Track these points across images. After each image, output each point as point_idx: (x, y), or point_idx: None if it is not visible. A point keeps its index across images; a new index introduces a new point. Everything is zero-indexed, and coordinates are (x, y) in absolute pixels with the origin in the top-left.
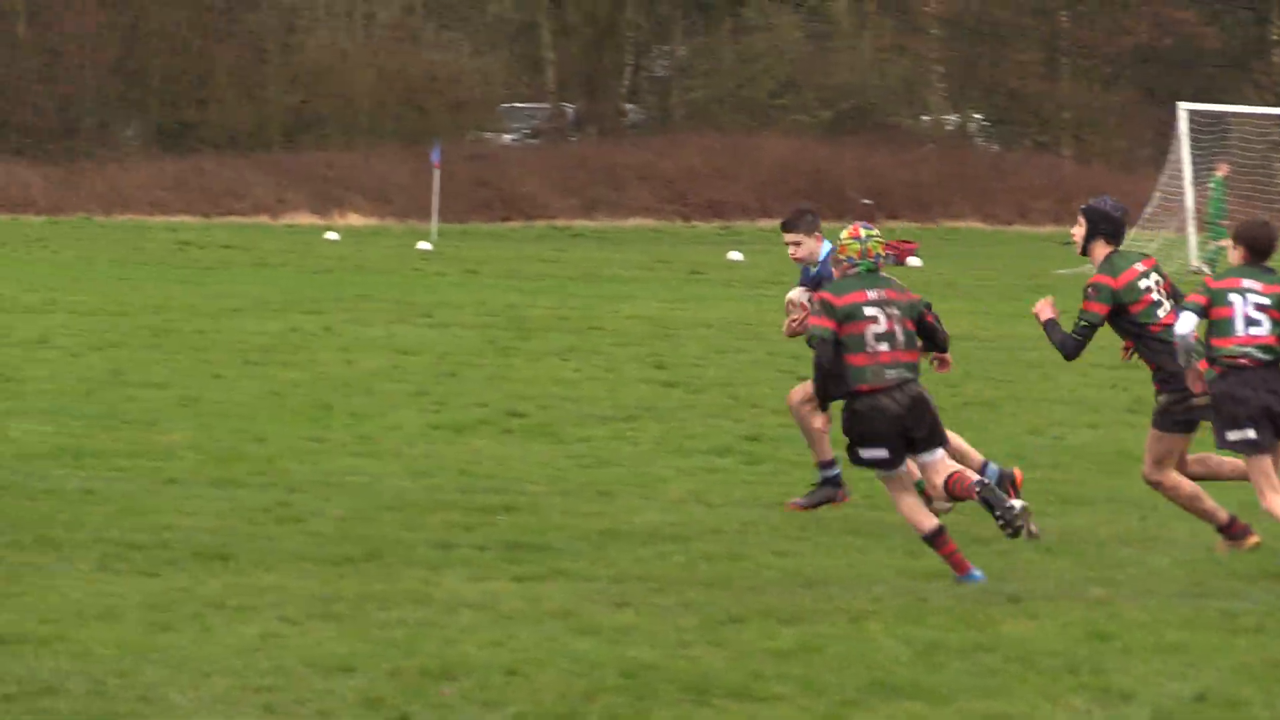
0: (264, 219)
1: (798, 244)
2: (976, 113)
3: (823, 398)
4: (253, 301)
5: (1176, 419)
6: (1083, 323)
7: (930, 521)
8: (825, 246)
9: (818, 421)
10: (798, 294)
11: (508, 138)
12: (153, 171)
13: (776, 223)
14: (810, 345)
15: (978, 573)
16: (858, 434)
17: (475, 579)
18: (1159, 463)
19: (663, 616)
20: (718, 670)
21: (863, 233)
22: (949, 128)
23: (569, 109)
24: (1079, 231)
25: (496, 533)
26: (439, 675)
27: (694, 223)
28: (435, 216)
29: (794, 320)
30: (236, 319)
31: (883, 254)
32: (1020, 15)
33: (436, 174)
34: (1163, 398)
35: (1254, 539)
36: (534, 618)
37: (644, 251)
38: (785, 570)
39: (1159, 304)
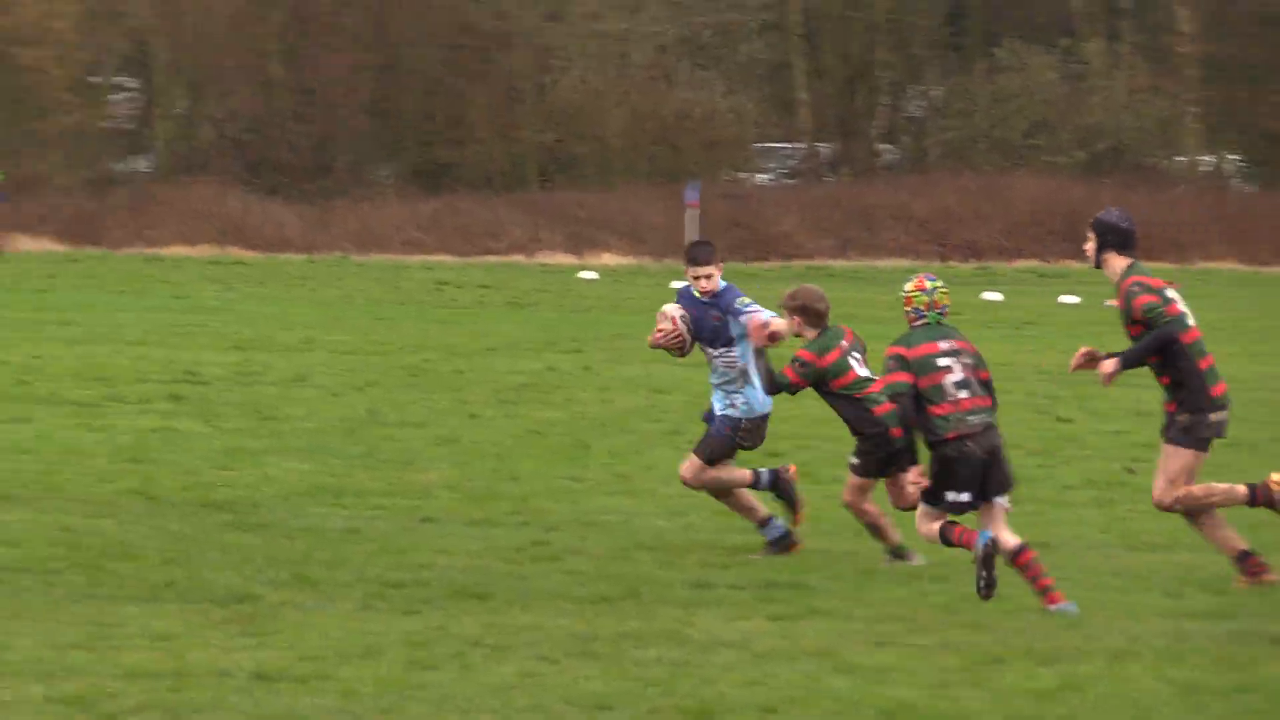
0: (519, 258)
1: (709, 276)
2: (1232, 153)
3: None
4: (509, 341)
5: (1199, 436)
6: (1149, 315)
7: (938, 524)
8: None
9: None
10: (673, 308)
11: (762, 177)
12: (407, 211)
13: (1033, 263)
14: (890, 401)
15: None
16: (946, 479)
17: (732, 618)
18: (1173, 483)
19: (922, 656)
20: (978, 711)
21: (928, 284)
22: (1204, 168)
23: (823, 149)
24: (1090, 245)
25: (753, 572)
26: (697, 714)
27: (950, 263)
28: None
29: (659, 331)
30: (493, 358)
31: (949, 304)
32: (1277, 55)
33: (691, 213)
34: (1183, 417)
35: (1271, 576)
36: (791, 656)
37: (899, 292)
38: (1045, 610)
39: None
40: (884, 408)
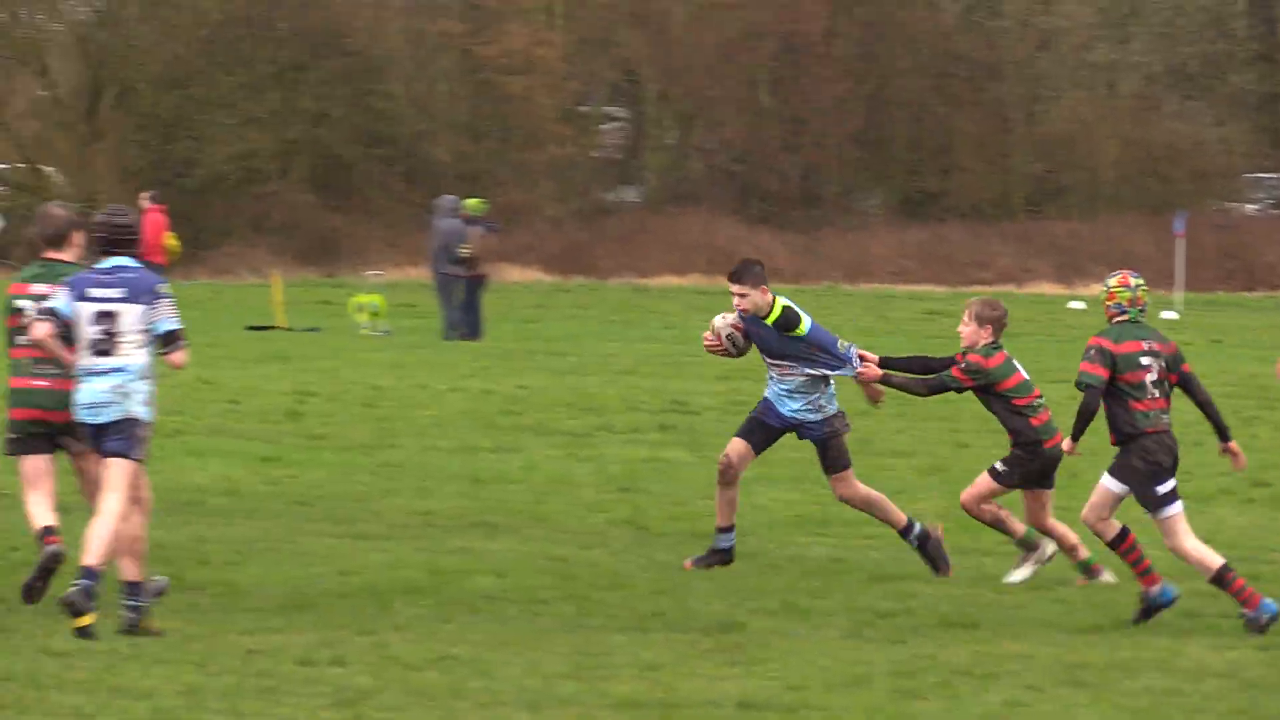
0: (1009, 288)
1: (744, 295)
2: None
3: (1076, 436)
4: None
5: None
6: None
7: (1216, 560)
8: (779, 300)
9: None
10: (720, 322)
11: (1251, 208)
12: (895, 240)
13: None
14: (1079, 389)
15: (1270, 603)
16: (1151, 470)
17: (1220, 647)
18: None
19: None
20: None
21: (1132, 281)
22: None
23: None
24: None
25: None
26: None
27: None
28: (1179, 286)
29: (705, 340)
30: None
31: (1148, 303)
32: None
33: (1179, 243)
34: None
35: None
36: (1278, 686)
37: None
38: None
39: None
40: (1041, 418)
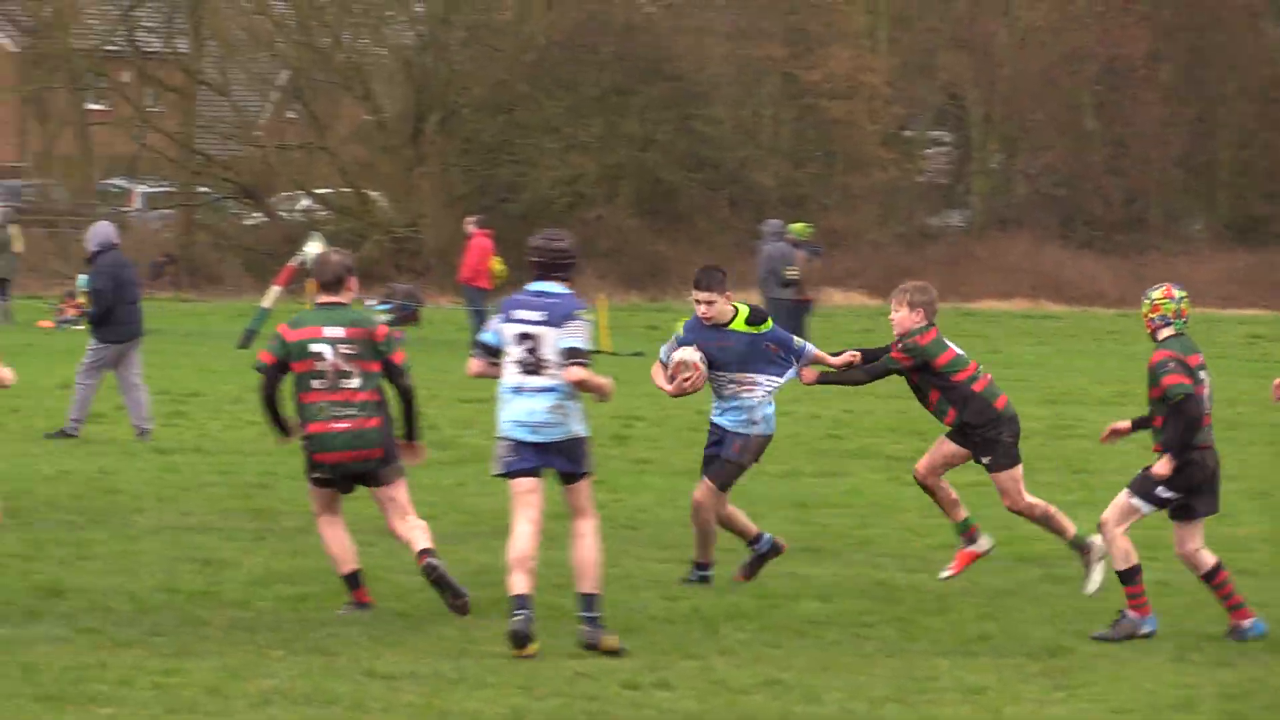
0: None
1: (711, 303)
2: None
3: (1182, 449)
4: None
5: None
6: None
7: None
8: (744, 309)
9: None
10: (689, 353)
11: None
12: (1222, 264)
13: None
14: (1175, 401)
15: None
16: (1181, 480)
17: None
18: None
19: None
20: None
21: (1176, 293)
22: None
23: None
24: None
25: None
26: None
27: None
28: None
29: (685, 379)
30: None
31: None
32: None
33: None
34: None
35: None
36: None
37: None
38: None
39: None
40: (982, 383)
